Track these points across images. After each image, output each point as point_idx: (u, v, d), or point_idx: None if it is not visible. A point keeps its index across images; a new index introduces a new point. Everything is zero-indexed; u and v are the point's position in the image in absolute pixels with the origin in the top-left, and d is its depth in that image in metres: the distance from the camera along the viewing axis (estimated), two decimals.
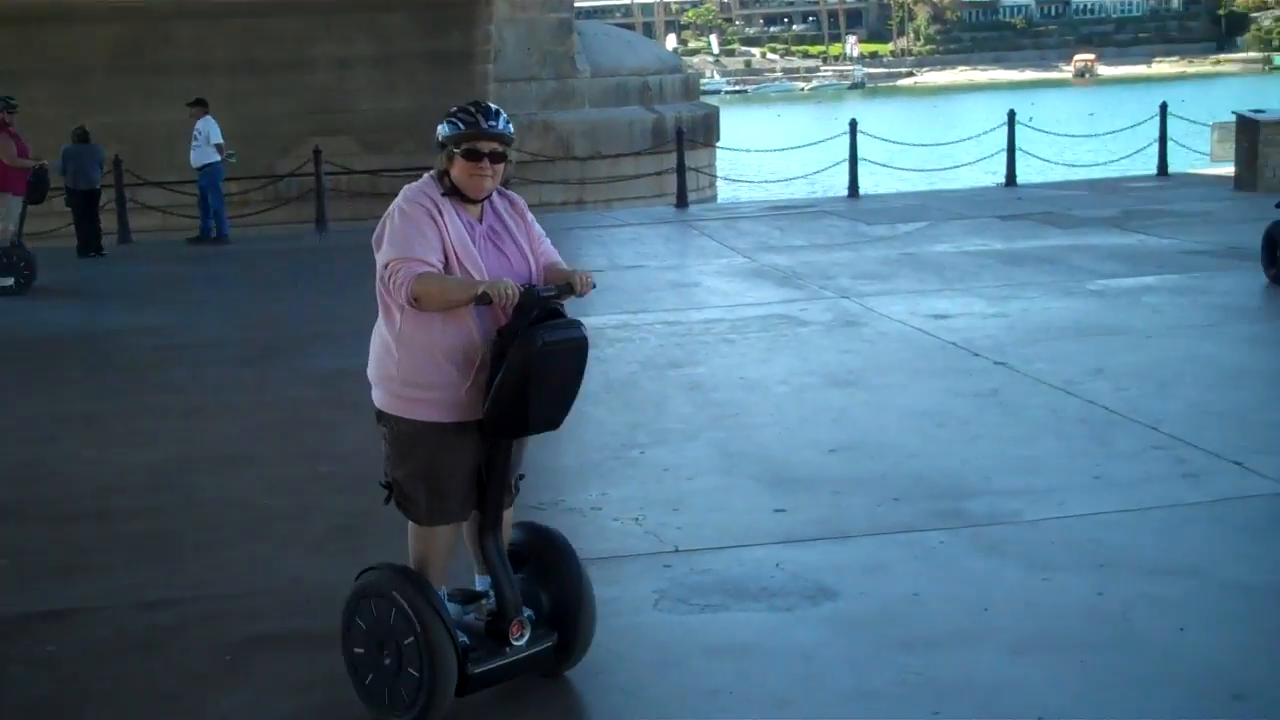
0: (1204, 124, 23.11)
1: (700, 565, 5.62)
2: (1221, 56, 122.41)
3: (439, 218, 4.14)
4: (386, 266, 4.10)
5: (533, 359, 4.00)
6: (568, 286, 4.23)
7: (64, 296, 14.20)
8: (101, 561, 5.98)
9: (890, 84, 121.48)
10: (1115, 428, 7.42)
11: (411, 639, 4.10)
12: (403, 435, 4.25)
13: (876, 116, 53.01)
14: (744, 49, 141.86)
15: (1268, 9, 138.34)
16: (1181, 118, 22.35)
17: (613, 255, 15.07)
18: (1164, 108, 21.67)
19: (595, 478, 6.93)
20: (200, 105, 18.15)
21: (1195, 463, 6.73)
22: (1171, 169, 21.64)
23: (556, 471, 7.29)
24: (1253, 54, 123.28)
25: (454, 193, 4.20)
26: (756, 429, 7.68)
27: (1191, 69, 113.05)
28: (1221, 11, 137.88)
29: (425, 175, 4.29)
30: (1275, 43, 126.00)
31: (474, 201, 4.23)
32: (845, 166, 20.80)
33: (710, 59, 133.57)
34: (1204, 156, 22.79)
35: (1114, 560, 5.49)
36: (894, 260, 13.73)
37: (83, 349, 11.25)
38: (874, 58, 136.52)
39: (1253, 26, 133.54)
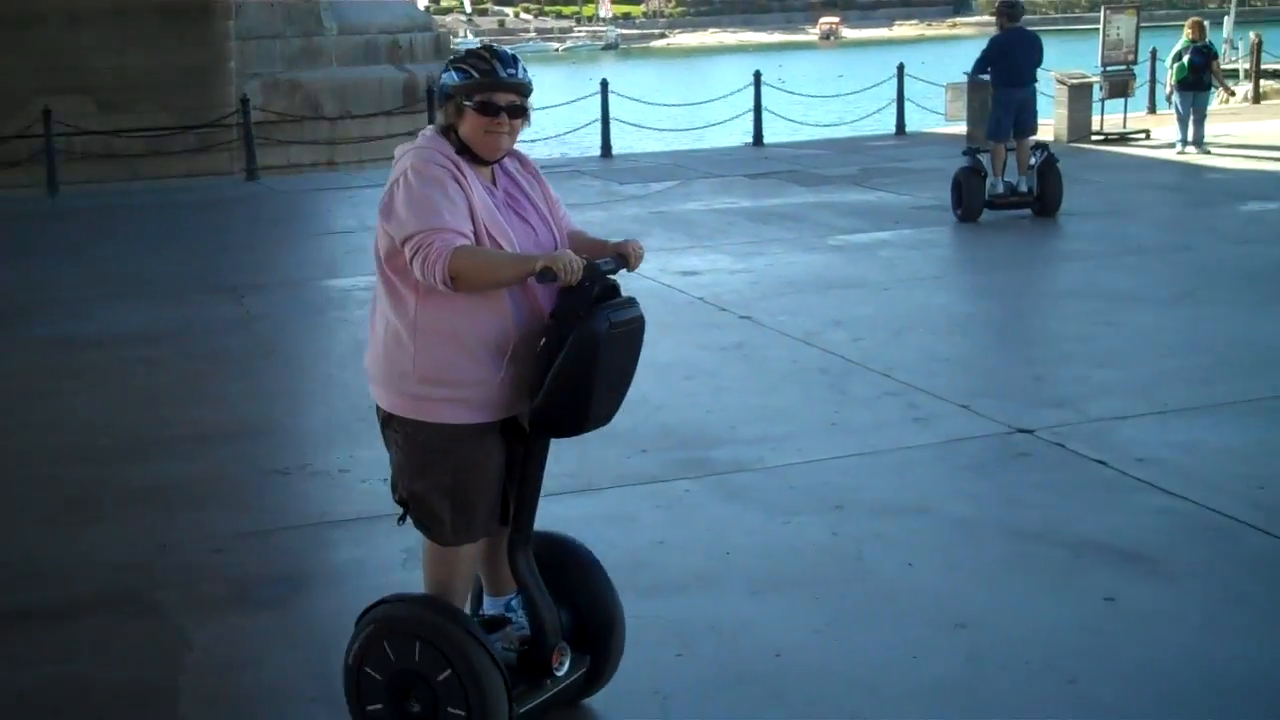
0: (939, 85, 24.04)
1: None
2: (958, 20, 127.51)
3: (463, 181, 3.52)
4: (410, 240, 3.42)
5: (600, 344, 3.45)
6: (620, 259, 3.66)
7: None
8: None
9: (644, 45, 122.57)
10: (852, 376, 7.72)
11: (448, 673, 3.51)
12: (424, 442, 3.61)
13: (630, 77, 53.41)
14: (497, 9, 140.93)
15: None
16: (918, 79, 23.20)
17: (362, 217, 14.82)
18: (901, 69, 22.47)
19: (344, 440, 6.86)
20: None
21: (925, 407, 7.07)
22: (909, 128, 22.48)
23: (303, 434, 7.22)
24: (987, 17, 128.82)
25: (464, 152, 3.58)
26: None
27: (930, 32, 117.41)
28: None
29: (425, 131, 3.66)
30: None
31: (485, 163, 3.63)
32: (598, 126, 20.92)
33: (463, 18, 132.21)
34: (940, 116, 23.70)
35: (848, 501, 5.74)
36: (645, 219, 13.92)
37: None
38: (627, 19, 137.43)
39: None
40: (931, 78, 24.50)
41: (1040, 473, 6.08)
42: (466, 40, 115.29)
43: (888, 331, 8.76)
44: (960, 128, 20.37)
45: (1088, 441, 6.37)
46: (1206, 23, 19.40)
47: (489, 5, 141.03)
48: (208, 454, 6.76)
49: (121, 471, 6.50)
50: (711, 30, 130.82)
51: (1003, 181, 13.06)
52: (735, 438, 6.67)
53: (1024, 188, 13.04)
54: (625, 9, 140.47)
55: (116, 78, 22.94)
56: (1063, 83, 19.92)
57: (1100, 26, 20.00)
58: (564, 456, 6.36)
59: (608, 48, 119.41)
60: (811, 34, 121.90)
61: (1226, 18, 49.05)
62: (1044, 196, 12.94)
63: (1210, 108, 18.86)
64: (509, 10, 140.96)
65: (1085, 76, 20.12)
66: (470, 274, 3.39)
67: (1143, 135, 19.54)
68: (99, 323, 9.92)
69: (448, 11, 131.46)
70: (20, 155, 20.23)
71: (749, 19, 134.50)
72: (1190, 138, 17.55)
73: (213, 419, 7.38)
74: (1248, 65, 30.04)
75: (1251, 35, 30.54)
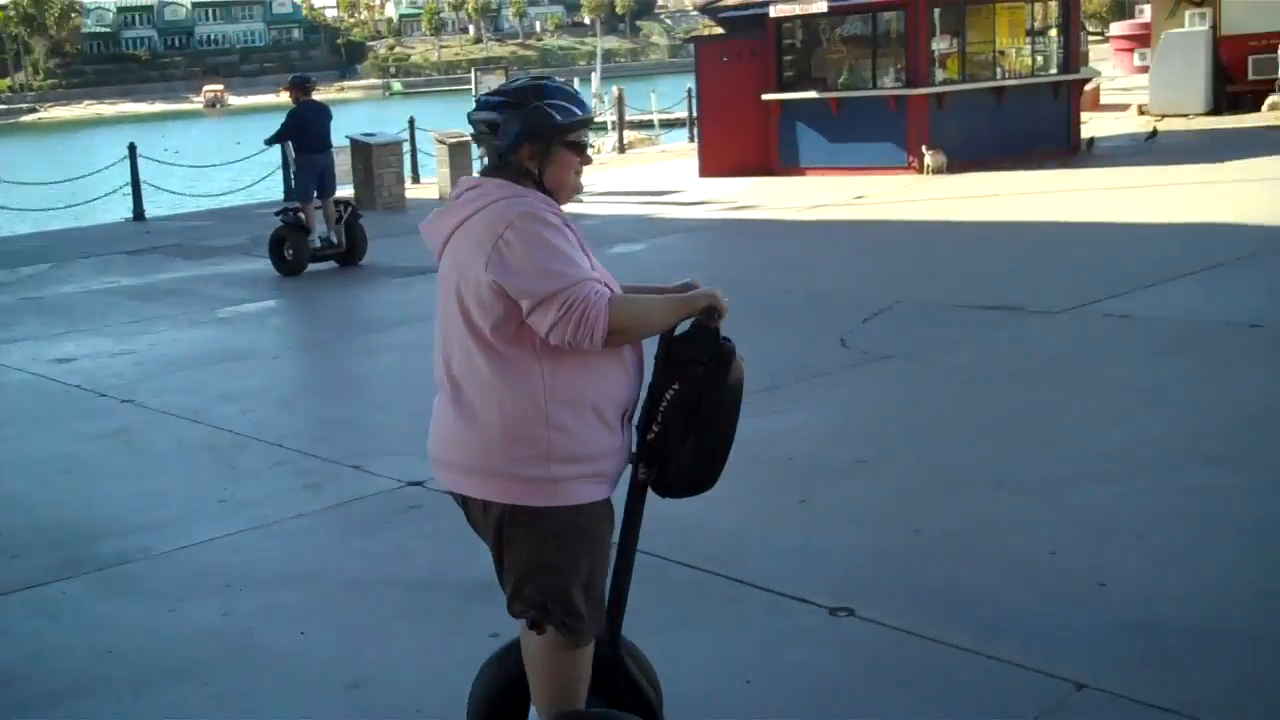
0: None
1: None
2: (345, 83, 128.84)
3: (570, 227, 3.17)
4: (553, 298, 2.99)
5: (738, 388, 3.19)
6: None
7: None
8: None
9: (11, 121, 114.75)
10: (242, 449, 7.60)
11: None
12: (560, 530, 3.15)
13: (3, 154, 49.93)
14: None
15: (381, 38, 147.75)
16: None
17: None
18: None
19: None
20: None
21: (317, 472, 7.07)
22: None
23: None
24: (374, 80, 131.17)
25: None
26: None
27: (318, 96, 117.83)
28: (340, 41, 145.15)
29: (493, 180, 3.19)
30: (392, 70, 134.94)
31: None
32: None
33: None
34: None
35: (239, 579, 5.63)
36: (14, 306, 13.05)
37: None
38: None
39: (370, 54, 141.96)
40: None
41: (431, 522, 6.23)
42: None
43: (278, 400, 8.71)
44: (347, 190, 20.63)
45: None
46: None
47: None
48: None
49: None
50: (87, 103, 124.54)
51: (319, 236, 14.25)
52: (118, 529, 6.37)
53: (334, 240, 14.34)
54: None
55: None
56: (442, 142, 20.62)
57: (473, 87, 20.94)
58: None
59: None
60: (196, 102, 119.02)
61: (594, 74, 52.56)
62: (352, 248, 14.42)
63: None
64: None
65: (462, 135, 20.94)
66: (630, 326, 3.09)
67: None
68: None
69: None
70: None
71: (128, 89, 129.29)
72: None
73: None
74: (614, 117, 32.40)
75: (615, 89, 32.98)
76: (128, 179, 21.20)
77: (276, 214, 14.55)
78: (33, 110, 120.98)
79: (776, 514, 5.96)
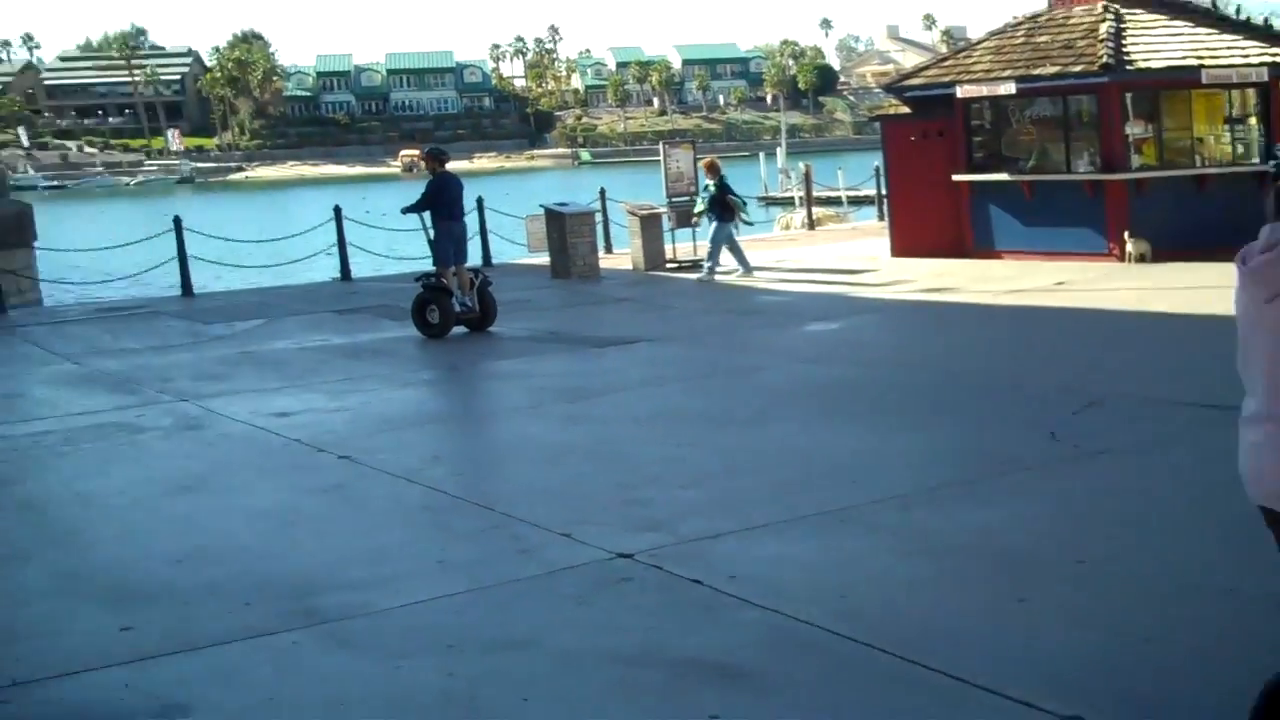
0: (520, 217, 24.79)
1: (43, 696, 5.31)
2: (535, 152, 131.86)
3: None
4: None
5: None
6: None
7: None
8: None
9: (221, 179, 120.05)
10: (455, 512, 7.80)
11: None
12: None
13: (208, 213, 52.24)
14: (59, 142, 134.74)
15: (569, 108, 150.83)
16: (498, 211, 23.84)
17: None
18: (480, 201, 23.03)
19: None
20: None
21: (528, 538, 7.21)
22: (496, 259, 23.00)
23: None
24: (562, 150, 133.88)
25: None
26: (97, 546, 7.36)
27: (510, 164, 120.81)
28: (529, 110, 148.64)
29: None
30: (580, 139, 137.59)
31: None
32: (175, 264, 20.35)
33: (20, 153, 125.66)
34: (524, 247, 24.43)
35: (460, 640, 5.78)
36: (233, 360, 13.62)
37: None
38: (200, 151, 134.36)
39: (558, 124, 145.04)
40: (511, 209, 25.26)
41: (640, 596, 6.31)
42: (27, 175, 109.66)
43: (487, 464, 8.91)
44: (545, 258, 21.09)
45: (683, 562, 6.67)
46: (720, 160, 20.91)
47: (49, 139, 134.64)
48: None
49: None
50: (290, 163, 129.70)
51: (456, 301, 14.75)
52: (342, 583, 6.60)
53: (469, 304, 14.86)
54: (198, 141, 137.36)
55: None
56: (634, 214, 20.96)
57: (661, 159, 21.26)
58: (166, 615, 6.15)
59: (182, 181, 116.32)
60: (393, 166, 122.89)
61: (779, 149, 52.72)
62: (484, 313, 14.91)
63: (771, 234, 20.38)
64: (72, 144, 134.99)
65: (654, 208, 21.26)
66: None
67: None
68: None
69: (3, 146, 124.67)
70: None
71: (328, 151, 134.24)
72: (736, 264, 19.03)
73: None
74: (801, 193, 32.48)
75: (802, 165, 33.07)
76: (333, 239, 22.00)
77: (416, 280, 15.13)
78: (240, 169, 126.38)
79: (994, 611, 5.89)
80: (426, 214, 14.80)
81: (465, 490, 8.19)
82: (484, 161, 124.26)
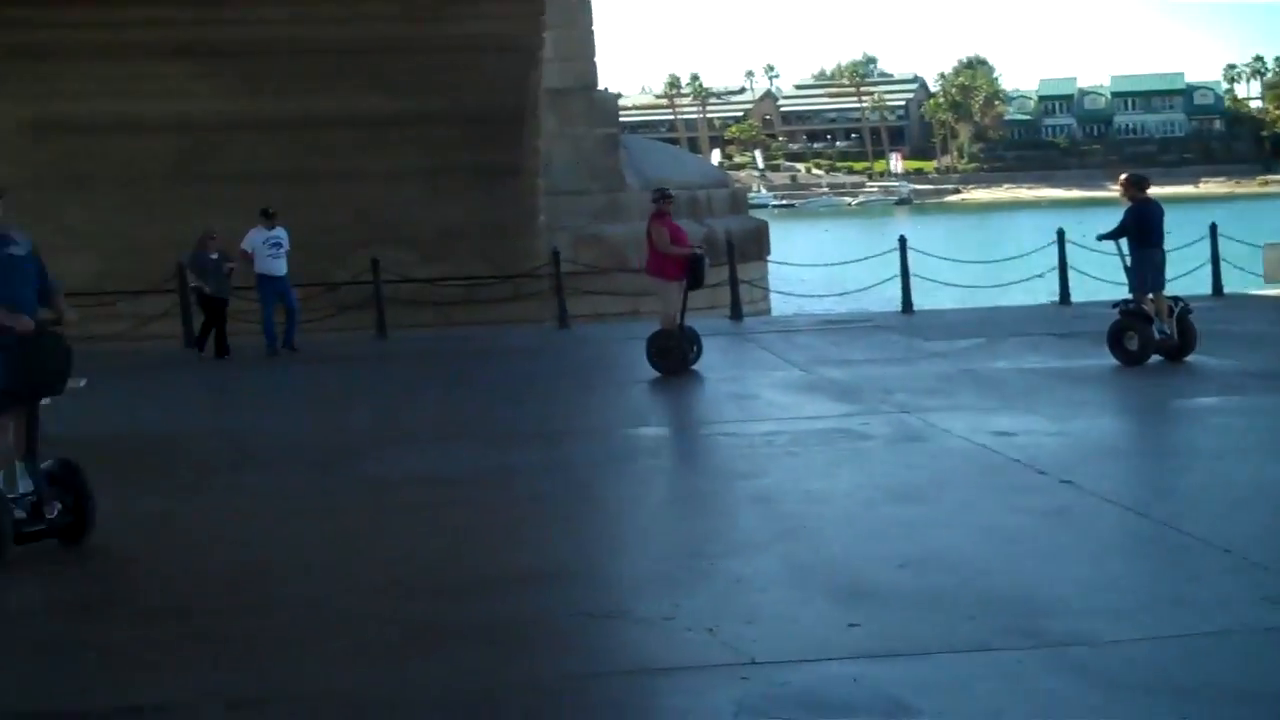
0: (1256, 245, 23.14)
1: (778, 678, 5.58)
2: (1269, 177, 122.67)
3: None
4: None
5: None
6: None
7: (136, 397, 14.38)
8: (185, 658, 6.02)
9: (936, 200, 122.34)
10: (1188, 550, 7.34)
11: None
12: None
13: (923, 233, 53.34)
14: (789, 164, 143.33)
15: None
16: (1232, 238, 22.37)
17: None
18: (1214, 228, 21.72)
19: (665, 586, 6.91)
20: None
21: (1273, 586, 6.65)
22: (1226, 289, 21.62)
23: (622, 580, 7.30)
24: None
25: None
26: (826, 542, 7.66)
27: (1239, 189, 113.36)
28: (1265, 132, 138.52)
29: None
30: None
31: None
32: (896, 281, 20.91)
33: (755, 174, 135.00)
34: (1258, 277, 22.77)
35: (1196, 685, 5.41)
36: (952, 376, 13.74)
37: (153, 449, 11.37)
38: (919, 174, 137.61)
39: None
40: (1244, 236, 23.61)
41: None
42: (760, 195, 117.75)
43: (1225, 504, 8.32)
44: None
45: None
46: None
47: (781, 161, 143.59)
48: (530, 595, 6.90)
49: (450, 610, 6.70)
50: (1006, 186, 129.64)
51: (1157, 328, 14.11)
52: (1067, 608, 6.41)
53: (1167, 332, 14.14)
54: (917, 164, 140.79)
55: (432, 229, 24.28)
56: None
57: None
58: (891, 618, 6.28)
59: (900, 203, 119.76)
60: (1113, 190, 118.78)
61: None
62: (1184, 343, 14.18)
63: None
64: (800, 166, 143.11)
65: None
66: None
67: None
68: (429, 462, 10.36)
69: (741, 168, 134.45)
70: (349, 301, 21.54)
71: (1045, 175, 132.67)
72: None
73: (532, 561, 7.55)
74: None
75: None
76: (1051, 262, 21.65)
77: (1113, 307, 14.57)
78: (955, 191, 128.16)
79: None
80: (1123, 241, 14.39)
81: (1199, 528, 7.68)
82: (1211, 186, 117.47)
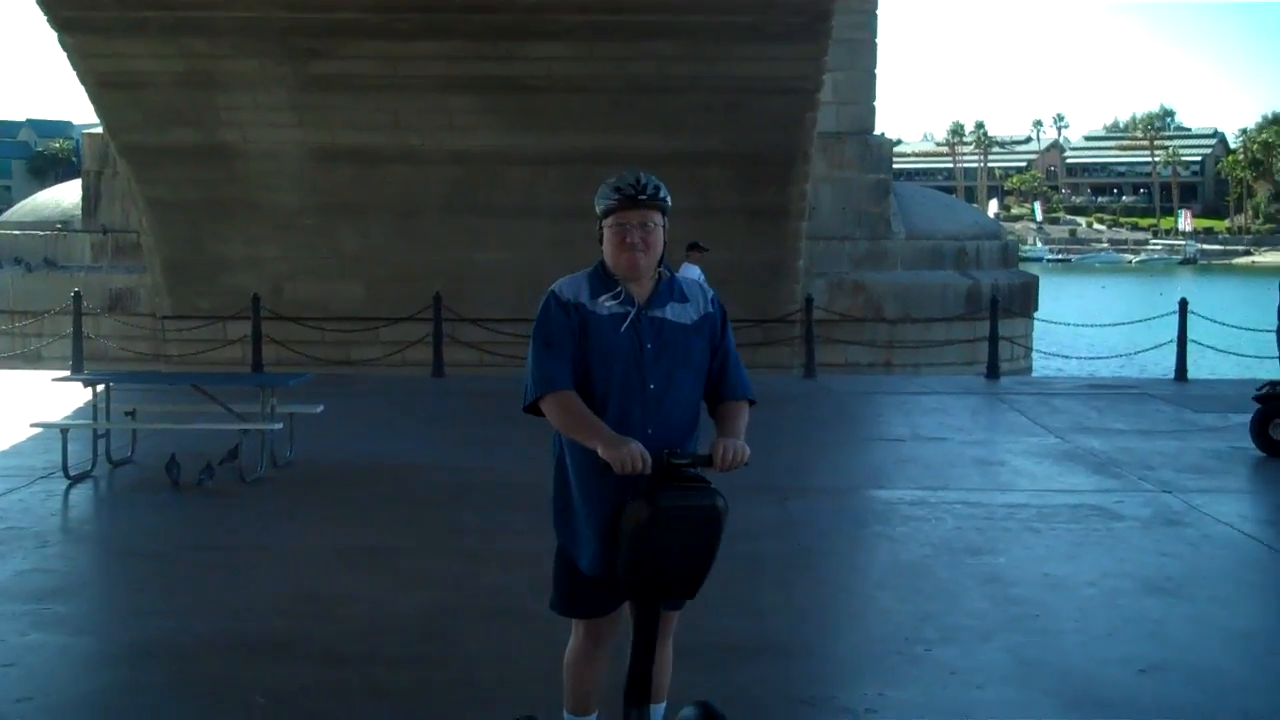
0: None
1: None
2: None
3: None
4: None
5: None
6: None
7: (369, 424, 14.58)
8: (362, 712, 5.82)
9: (1225, 261, 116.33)
10: None
11: None
12: None
13: (1209, 295, 50.61)
14: (1069, 218, 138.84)
15: None
16: None
17: (915, 424, 14.50)
18: None
19: (873, 672, 6.39)
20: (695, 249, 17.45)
21: None
22: None
23: (831, 660, 6.81)
24: None
25: None
26: (1059, 635, 6.99)
27: None
28: None
29: None
30: None
31: None
32: (1172, 347, 19.64)
33: (1033, 225, 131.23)
34: None
35: None
36: (1224, 454, 12.67)
37: (378, 480, 11.41)
38: (1208, 233, 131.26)
39: None
40: None
41: None
42: (1035, 248, 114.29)
43: None
44: None
45: None
46: None
47: (1061, 214, 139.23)
48: (734, 668, 6.48)
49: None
50: None
51: None
52: None
53: None
54: (1207, 223, 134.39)
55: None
56: None
57: None
58: None
59: (1185, 262, 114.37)
60: None
61: None
62: None
63: None
64: (1081, 219, 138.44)
65: None
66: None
67: None
68: None
69: (1018, 219, 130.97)
70: None
71: None
72: None
73: (741, 629, 7.12)
74: None
75: None
76: None
77: (1259, 390, 13.06)
78: (1246, 253, 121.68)
79: None
80: None
81: None
82: None
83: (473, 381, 18.90)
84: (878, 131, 29.37)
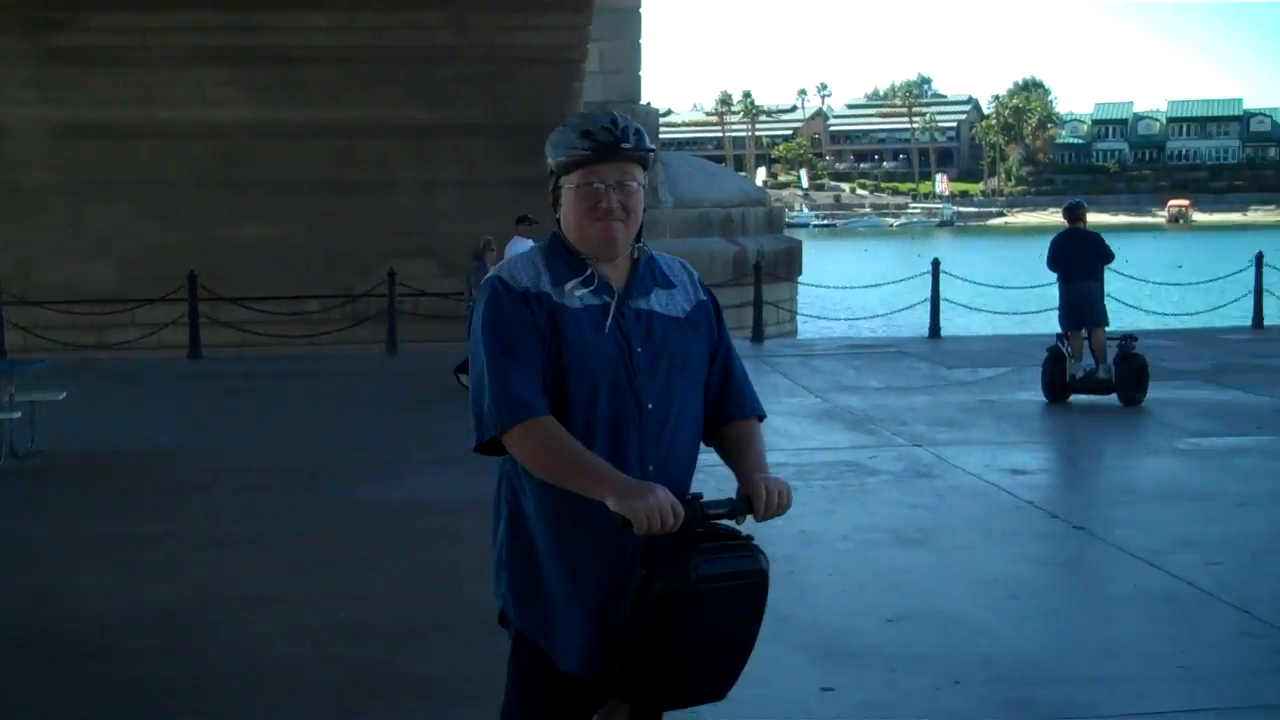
0: None
1: None
2: None
3: None
4: None
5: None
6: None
7: (121, 410, 14.01)
8: (93, 710, 5.56)
9: (980, 223, 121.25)
10: (1203, 608, 6.78)
11: None
12: None
13: (963, 256, 52.61)
14: (834, 184, 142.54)
15: None
16: (1276, 268, 21.67)
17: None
18: (1260, 257, 21.03)
19: None
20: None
21: None
22: (1268, 321, 20.91)
23: None
24: None
25: None
26: (811, 590, 7.14)
27: None
28: None
29: None
30: None
31: None
32: (928, 306, 20.33)
33: (799, 193, 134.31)
34: None
35: None
36: (972, 407, 13.17)
37: (126, 468, 10.96)
38: (964, 196, 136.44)
39: None
40: None
41: None
42: (801, 214, 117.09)
43: (1246, 555, 7.75)
44: None
45: None
46: None
47: (826, 180, 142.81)
48: (492, 643, 6.41)
49: (402, 655, 6.23)
50: (1051, 210, 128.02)
51: (1080, 366, 13.42)
52: (1065, 675, 5.87)
53: (1101, 374, 13.38)
54: (963, 186, 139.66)
55: (462, 242, 23.86)
56: None
57: None
58: (870, 681, 5.76)
59: (943, 225, 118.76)
60: (1159, 216, 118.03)
61: None
62: (1120, 383, 13.19)
63: None
64: (845, 185, 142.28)
65: None
66: None
67: None
68: (407, 488, 9.90)
69: (785, 186, 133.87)
70: (368, 313, 21.17)
71: (1093, 199, 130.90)
72: None
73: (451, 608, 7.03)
74: None
75: None
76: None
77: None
78: (1000, 214, 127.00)
79: None
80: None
81: (1217, 585, 7.11)
82: (1259, 214, 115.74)
83: (233, 363, 18.32)
84: (644, 101, 29.60)
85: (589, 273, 3.23)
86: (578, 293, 3.20)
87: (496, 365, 3.11)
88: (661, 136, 30.22)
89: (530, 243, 16.12)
